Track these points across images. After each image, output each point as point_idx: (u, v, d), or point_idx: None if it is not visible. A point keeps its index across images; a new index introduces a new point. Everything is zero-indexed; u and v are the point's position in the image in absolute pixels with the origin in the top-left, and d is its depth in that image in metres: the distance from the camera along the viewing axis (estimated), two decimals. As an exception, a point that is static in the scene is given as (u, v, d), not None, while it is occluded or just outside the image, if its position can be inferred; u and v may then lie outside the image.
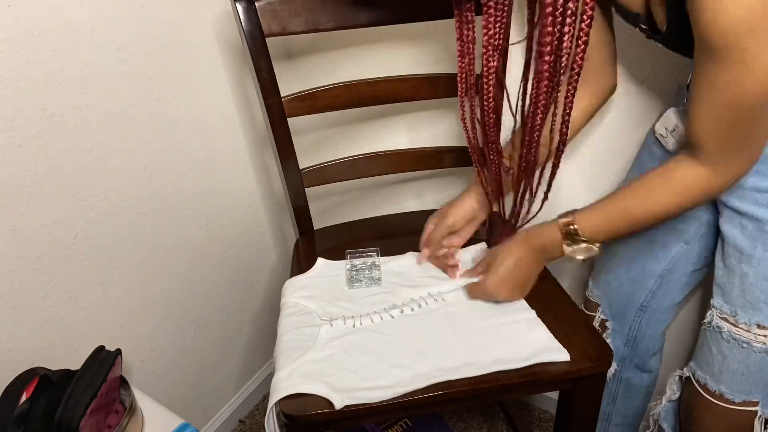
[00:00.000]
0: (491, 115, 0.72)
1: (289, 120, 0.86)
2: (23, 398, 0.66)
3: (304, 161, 0.93)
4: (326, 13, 0.80)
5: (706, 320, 0.70)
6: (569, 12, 0.53)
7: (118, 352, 0.75)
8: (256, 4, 0.76)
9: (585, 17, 0.53)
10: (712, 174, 0.58)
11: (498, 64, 0.67)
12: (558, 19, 0.54)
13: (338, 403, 0.61)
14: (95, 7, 0.74)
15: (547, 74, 0.58)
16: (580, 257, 0.69)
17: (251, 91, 1.06)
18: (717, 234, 0.76)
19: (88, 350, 0.73)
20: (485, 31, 0.64)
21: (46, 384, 0.69)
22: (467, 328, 0.71)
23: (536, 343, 0.68)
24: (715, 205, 0.74)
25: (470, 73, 0.72)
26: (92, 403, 0.66)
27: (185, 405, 1.11)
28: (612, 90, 0.78)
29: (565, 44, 0.55)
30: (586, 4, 0.53)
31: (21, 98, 0.68)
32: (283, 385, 0.64)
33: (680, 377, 0.77)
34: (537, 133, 0.65)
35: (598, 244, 0.68)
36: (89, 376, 0.69)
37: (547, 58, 0.56)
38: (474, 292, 0.76)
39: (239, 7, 0.76)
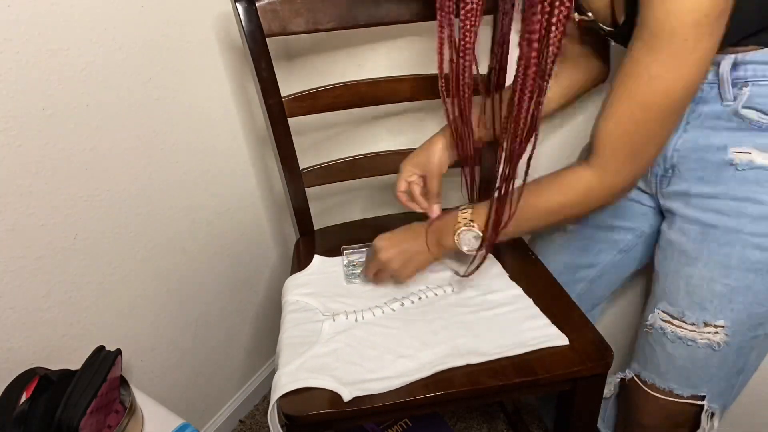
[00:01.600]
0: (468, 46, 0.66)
1: (289, 120, 0.86)
2: (23, 398, 0.66)
3: (304, 161, 0.93)
4: (326, 13, 0.80)
5: (648, 323, 0.72)
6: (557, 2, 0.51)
7: (118, 352, 0.75)
8: (256, 4, 0.76)
9: (564, 8, 0.51)
10: (596, 179, 0.61)
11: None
12: (546, 9, 0.52)
13: (346, 396, 0.62)
14: (95, 7, 0.74)
15: (535, 61, 0.55)
16: (465, 248, 0.71)
17: (251, 91, 1.06)
18: (649, 244, 0.82)
19: (88, 350, 0.73)
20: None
21: (46, 384, 0.69)
22: (468, 318, 0.73)
23: (535, 330, 0.70)
24: (648, 219, 0.79)
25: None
26: (92, 403, 0.66)
27: (185, 405, 1.11)
28: (605, 75, 0.80)
29: (552, 33, 0.53)
30: None
31: (21, 98, 0.68)
32: (289, 380, 0.64)
33: (622, 379, 0.79)
34: (523, 120, 0.61)
35: (485, 243, 0.69)
36: (89, 376, 0.69)
37: (536, 45, 0.54)
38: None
39: (239, 7, 0.76)
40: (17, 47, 0.66)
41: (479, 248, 0.70)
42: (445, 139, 0.80)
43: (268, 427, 0.65)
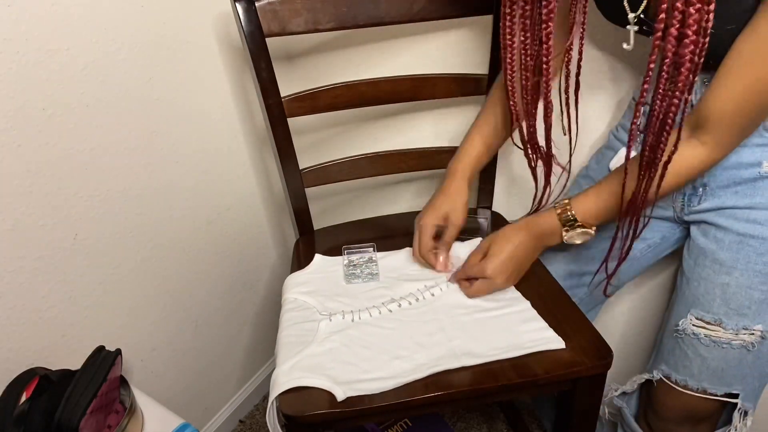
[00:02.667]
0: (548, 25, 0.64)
1: (289, 120, 0.86)
2: (23, 398, 0.66)
3: (304, 161, 0.93)
4: (326, 13, 0.80)
5: (679, 328, 0.72)
6: None
7: (118, 352, 0.75)
8: (256, 4, 0.76)
9: None
10: (710, 154, 0.59)
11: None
12: None
13: (340, 395, 0.62)
14: (95, 7, 0.74)
15: (690, 56, 0.49)
16: (577, 242, 0.71)
17: (251, 91, 1.06)
18: (658, 251, 0.82)
19: (88, 350, 0.73)
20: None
21: (46, 384, 0.69)
22: (464, 319, 0.72)
23: (532, 333, 0.70)
24: (662, 230, 0.79)
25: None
26: (92, 403, 0.66)
27: (185, 405, 1.11)
28: None
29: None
30: None
31: (21, 98, 0.68)
32: (284, 379, 0.64)
33: (649, 380, 0.79)
34: (668, 128, 0.57)
35: (594, 228, 0.70)
36: (89, 376, 0.69)
37: (693, 38, 0.48)
38: (470, 283, 0.75)
39: (239, 8, 0.76)
40: (17, 47, 0.66)
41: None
42: (468, 180, 0.82)
43: (267, 427, 0.65)
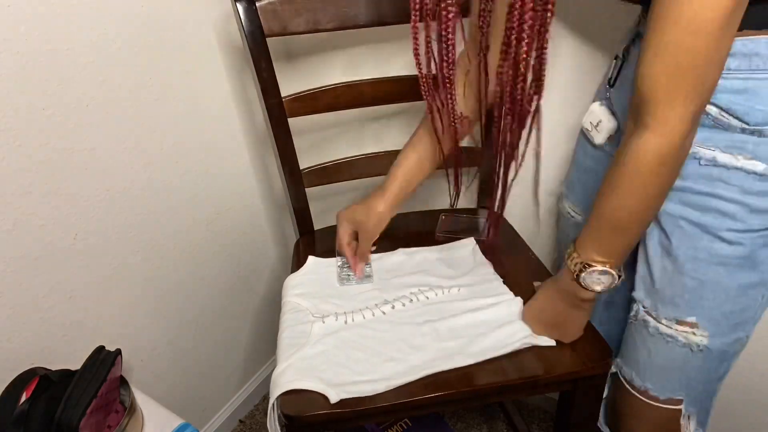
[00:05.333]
0: (449, 38, 0.61)
1: (289, 120, 0.86)
2: (23, 398, 0.66)
3: (304, 161, 0.93)
4: (327, 13, 0.80)
5: (632, 314, 0.70)
6: None
7: (118, 352, 0.74)
8: (256, 4, 0.76)
9: None
10: (661, 138, 0.53)
11: None
12: None
13: (333, 398, 0.62)
14: (95, 7, 0.74)
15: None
16: (597, 288, 0.62)
17: (251, 91, 1.06)
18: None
19: (88, 350, 0.73)
20: None
21: (46, 384, 0.69)
22: (456, 321, 0.72)
23: (523, 331, 0.70)
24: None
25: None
26: (92, 403, 0.66)
27: (185, 405, 1.11)
28: None
29: None
30: None
31: (21, 98, 0.68)
32: (280, 381, 0.64)
33: (609, 374, 0.76)
34: (522, 70, 0.54)
35: (609, 265, 0.61)
36: (89, 376, 0.69)
37: None
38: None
39: (240, 7, 0.76)
40: (17, 47, 0.66)
41: (619, 279, 0.62)
42: (389, 198, 0.78)
43: (267, 427, 0.65)
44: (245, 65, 1.02)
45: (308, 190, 0.95)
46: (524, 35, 0.51)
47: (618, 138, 0.70)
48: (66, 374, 0.71)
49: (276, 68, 0.81)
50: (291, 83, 0.92)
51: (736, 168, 0.57)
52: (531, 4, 0.49)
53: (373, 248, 0.84)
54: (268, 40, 0.79)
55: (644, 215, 0.59)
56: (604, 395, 0.80)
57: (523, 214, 1.11)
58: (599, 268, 0.61)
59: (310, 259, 0.88)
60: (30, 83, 0.68)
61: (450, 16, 0.56)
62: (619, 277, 0.62)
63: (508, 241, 0.91)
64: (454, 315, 0.73)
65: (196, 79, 0.94)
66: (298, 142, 0.90)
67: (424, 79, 0.65)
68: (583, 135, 0.78)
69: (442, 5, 0.56)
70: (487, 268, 0.83)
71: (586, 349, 0.67)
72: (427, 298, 0.77)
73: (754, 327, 0.65)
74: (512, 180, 0.68)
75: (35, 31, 0.68)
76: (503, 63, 0.55)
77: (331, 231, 1.00)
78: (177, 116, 0.92)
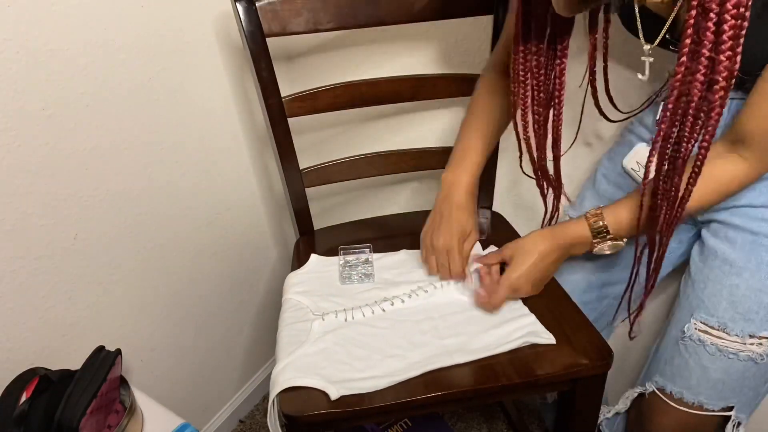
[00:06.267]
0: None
1: (289, 120, 0.86)
2: (23, 398, 0.66)
3: (304, 161, 0.93)
4: (327, 13, 0.80)
5: (685, 334, 0.69)
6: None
7: (118, 352, 0.75)
8: (256, 4, 0.76)
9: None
10: (751, 171, 0.59)
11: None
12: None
13: (334, 394, 0.62)
14: (95, 7, 0.74)
15: (719, 101, 0.47)
16: (607, 252, 0.70)
17: (251, 91, 1.06)
18: (672, 258, 0.79)
19: (88, 350, 0.73)
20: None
21: (46, 384, 0.69)
22: (456, 317, 0.73)
23: (523, 329, 0.70)
24: (677, 230, 0.74)
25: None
26: (92, 403, 0.66)
27: (185, 405, 1.11)
28: None
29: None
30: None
31: (21, 98, 0.68)
32: (280, 379, 0.64)
33: (640, 393, 0.76)
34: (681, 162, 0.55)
35: (624, 240, 0.68)
36: (89, 376, 0.69)
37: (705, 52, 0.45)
38: (487, 294, 0.73)
39: (239, 7, 0.76)
40: (17, 47, 0.66)
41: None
42: (471, 210, 0.80)
43: (267, 427, 0.65)
44: (245, 65, 1.02)
45: (308, 190, 0.95)
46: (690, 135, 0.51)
47: None
48: (66, 374, 0.71)
49: (276, 68, 0.81)
50: (291, 83, 0.92)
51: None
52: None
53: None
54: (268, 40, 0.79)
55: (685, 219, 0.63)
56: (621, 410, 0.80)
57: (523, 215, 1.11)
58: (620, 242, 0.67)
59: (313, 257, 0.88)
60: (30, 83, 0.68)
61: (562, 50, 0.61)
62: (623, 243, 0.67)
63: (507, 241, 0.91)
64: (454, 312, 0.73)
65: (196, 79, 0.94)
66: (298, 142, 0.90)
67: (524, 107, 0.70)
68: (622, 171, 0.80)
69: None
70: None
71: (586, 349, 0.67)
72: (426, 292, 0.77)
73: None
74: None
75: (35, 31, 0.68)
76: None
77: (331, 231, 1.01)
78: (177, 116, 0.92)
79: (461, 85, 0.90)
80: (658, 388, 0.72)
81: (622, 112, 0.68)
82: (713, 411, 0.69)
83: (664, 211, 0.59)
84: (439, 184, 0.83)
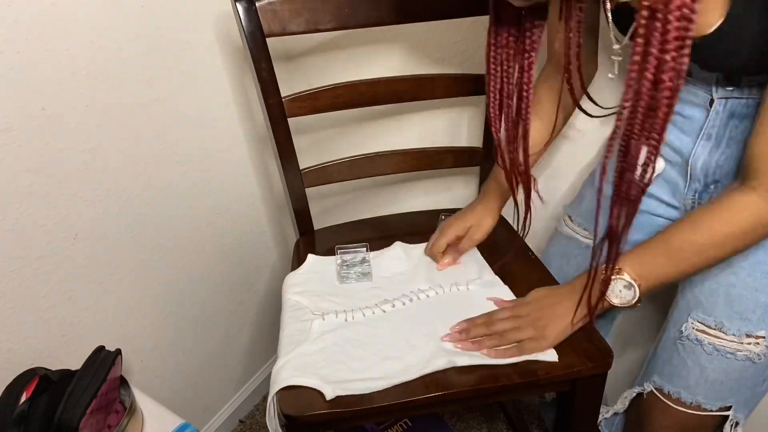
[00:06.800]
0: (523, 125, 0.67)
1: (289, 120, 0.86)
2: (23, 398, 0.66)
3: (304, 161, 0.93)
4: (327, 13, 0.80)
5: (683, 333, 0.69)
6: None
7: (118, 352, 0.74)
8: (256, 4, 0.76)
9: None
10: (765, 201, 0.56)
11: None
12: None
13: (329, 394, 0.62)
14: (95, 7, 0.74)
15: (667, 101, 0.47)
16: (614, 300, 0.65)
17: (251, 91, 1.06)
18: None
19: (88, 350, 0.73)
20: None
21: (46, 384, 0.69)
22: (455, 321, 0.72)
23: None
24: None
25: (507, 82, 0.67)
26: (92, 403, 0.66)
27: (185, 405, 1.11)
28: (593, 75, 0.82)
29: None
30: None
31: (21, 98, 0.68)
32: (278, 378, 0.65)
33: (639, 393, 0.76)
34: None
35: (638, 291, 0.63)
36: (89, 376, 0.69)
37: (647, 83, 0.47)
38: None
39: (239, 7, 0.76)
40: (17, 47, 0.66)
41: (637, 302, 0.64)
42: (493, 210, 0.84)
43: (267, 427, 0.65)
44: (245, 65, 1.02)
45: (308, 190, 0.95)
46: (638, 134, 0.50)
47: (690, 192, 0.72)
48: (66, 374, 0.71)
49: (276, 68, 0.81)
50: (291, 83, 0.92)
51: None
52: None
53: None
54: (268, 40, 0.79)
55: (705, 260, 0.61)
56: (619, 411, 0.79)
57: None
58: (628, 279, 0.62)
59: (310, 257, 0.88)
60: (30, 83, 0.68)
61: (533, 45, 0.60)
62: (637, 303, 0.63)
63: (507, 242, 0.91)
64: (452, 316, 0.73)
65: (196, 79, 0.94)
66: (298, 142, 0.90)
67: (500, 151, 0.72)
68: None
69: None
70: (486, 269, 0.83)
71: (586, 349, 0.67)
72: (428, 296, 0.77)
73: None
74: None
75: (35, 31, 0.68)
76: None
77: (332, 231, 1.01)
78: (177, 116, 0.92)
79: (461, 85, 0.90)
80: (656, 388, 0.73)
81: (602, 108, 0.67)
82: (711, 411, 0.69)
83: (616, 212, 0.58)
84: (441, 184, 0.83)
